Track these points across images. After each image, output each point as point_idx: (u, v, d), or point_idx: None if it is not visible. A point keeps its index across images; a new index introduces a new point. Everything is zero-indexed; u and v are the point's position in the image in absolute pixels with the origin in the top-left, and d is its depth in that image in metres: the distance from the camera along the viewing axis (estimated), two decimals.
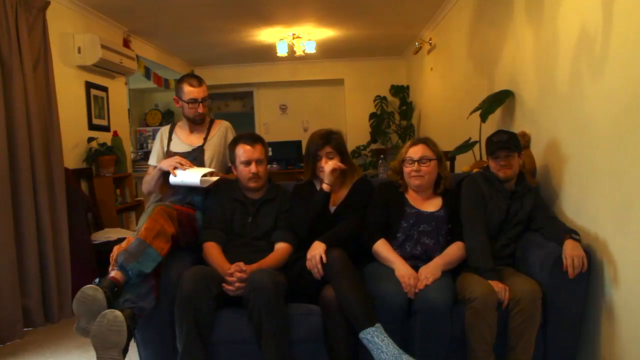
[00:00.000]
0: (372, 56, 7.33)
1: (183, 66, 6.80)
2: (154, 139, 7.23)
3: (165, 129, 2.77)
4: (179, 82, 2.67)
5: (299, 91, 7.87)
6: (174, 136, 2.71)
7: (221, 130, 2.73)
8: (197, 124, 2.68)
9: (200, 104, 2.61)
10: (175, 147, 2.67)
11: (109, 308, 1.92)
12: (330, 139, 2.40)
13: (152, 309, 2.08)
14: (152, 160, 2.72)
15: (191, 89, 2.60)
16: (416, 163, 2.33)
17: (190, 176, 2.42)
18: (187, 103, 2.61)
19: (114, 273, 2.04)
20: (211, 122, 2.75)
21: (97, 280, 1.98)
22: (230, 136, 2.70)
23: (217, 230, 2.38)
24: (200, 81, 2.64)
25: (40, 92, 3.34)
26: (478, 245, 2.26)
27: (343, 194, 2.46)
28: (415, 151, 2.35)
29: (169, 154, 2.64)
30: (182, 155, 2.61)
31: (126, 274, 2.03)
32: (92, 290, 1.92)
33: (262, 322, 2.02)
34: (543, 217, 2.39)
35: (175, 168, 2.45)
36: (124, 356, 1.96)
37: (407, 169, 2.36)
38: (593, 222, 2.24)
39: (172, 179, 2.46)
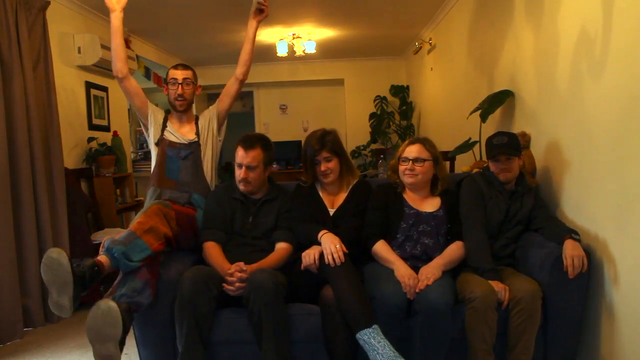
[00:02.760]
0: (372, 56, 7.33)
1: None
2: None
3: (160, 112, 2.74)
4: (168, 70, 2.72)
5: (299, 91, 7.88)
6: (168, 123, 2.70)
7: (205, 122, 2.72)
8: (176, 110, 2.66)
9: (180, 85, 2.61)
10: (170, 136, 2.66)
11: (83, 286, 1.88)
12: (325, 143, 2.39)
13: (149, 305, 2.06)
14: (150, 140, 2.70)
15: (174, 70, 2.65)
16: (410, 162, 2.33)
17: None
18: (169, 84, 2.64)
19: (99, 257, 2.02)
20: (197, 119, 2.75)
21: (80, 258, 1.96)
22: (214, 121, 2.73)
23: (217, 230, 2.38)
24: (185, 67, 2.68)
25: (40, 92, 3.35)
26: (478, 245, 2.26)
27: (342, 198, 2.46)
28: (411, 150, 2.36)
29: (163, 142, 2.63)
30: (179, 146, 2.62)
31: (112, 258, 2.00)
32: (56, 253, 1.87)
33: (262, 322, 2.02)
34: (543, 217, 2.39)
35: None
36: (121, 350, 1.94)
37: (401, 167, 2.38)
38: (593, 222, 2.24)
39: None
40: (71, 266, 1.86)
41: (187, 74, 2.65)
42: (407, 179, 2.36)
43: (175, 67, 2.68)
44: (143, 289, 2.04)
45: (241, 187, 2.43)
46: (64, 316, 1.91)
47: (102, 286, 2.01)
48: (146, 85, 6.23)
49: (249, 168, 2.39)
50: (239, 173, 2.40)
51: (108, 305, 1.89)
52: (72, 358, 2.78)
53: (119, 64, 2.61)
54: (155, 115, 2.71)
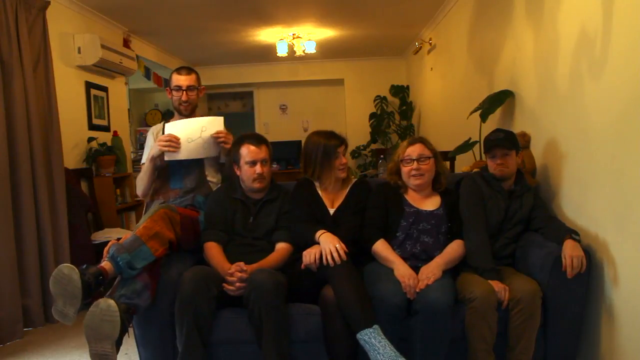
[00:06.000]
0: (372, 56, 7.33)
1: None
2: None
3: (157, 127, 2.73)
4: (171, 73, 2.67)
5: (299, 91, 7.88)
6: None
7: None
8: (181, 114, 2.64)
9: (185, 92, 2.58)
10: None
11: (87, 294, 1.89)
12: (343, 139, 2.48)
13: (147, 307, 2.07)
14: (145, 159, 2.67)
15: (177, 76, 2.60)
16: (415, 162, 2.33)
17: (196, 149, 2.46)
18: (173, 90, 2.61)
19: (103, 263, 2.02)
20: None
21: (84, 266, 1.96)
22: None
23: (218, 231, 2.38)
24: (189, 71, 2.63)
25: (40, 92, 3.35)
26: (478, 245, 2.26)
27: (342, 197, 2.46)
28: (413, 150, 2.36)
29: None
30: None
31: (117, 265, 2.01)
32: (67, 269, 1.89)
33: (262, 322, 2.02)
34: (543, 217, 2.39)
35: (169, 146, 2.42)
36: (117, 350, 1.94)
37: (406, 168, 2.36)
38: (593, 222, 2.24)
39: (170, 156, 2.45)
40: (81, 282, 1.87)
41: (191, 80, 2.60)
42: (413, 181, 2.35)
43: (179, 72, 2.61)
44: (142, 292, 2.04)
45: (256, 185, 2.41)
46: (66, 323, 1.92)
47: (103, 287, 2.03)
48: (146, 85, 6.24)
49: (263, 163, 2.39)
50: (254, 170, 2.38)
51: (107, 303, 1.90)
52: (72, 358, 2.78)
53: (147, 190, 2.59)
54: (156, 135, 2.66)
